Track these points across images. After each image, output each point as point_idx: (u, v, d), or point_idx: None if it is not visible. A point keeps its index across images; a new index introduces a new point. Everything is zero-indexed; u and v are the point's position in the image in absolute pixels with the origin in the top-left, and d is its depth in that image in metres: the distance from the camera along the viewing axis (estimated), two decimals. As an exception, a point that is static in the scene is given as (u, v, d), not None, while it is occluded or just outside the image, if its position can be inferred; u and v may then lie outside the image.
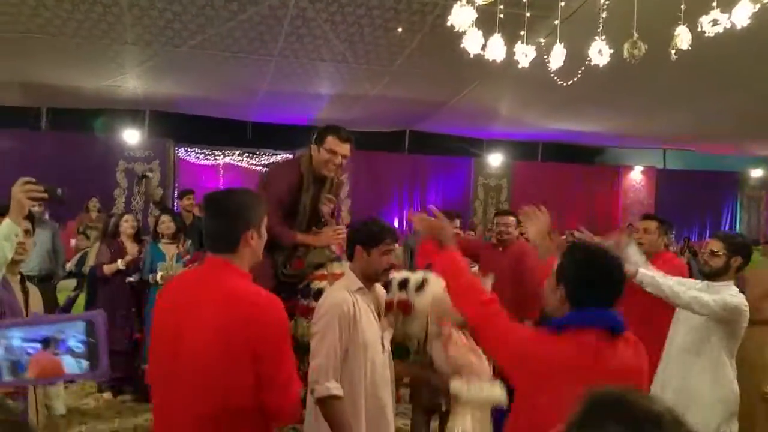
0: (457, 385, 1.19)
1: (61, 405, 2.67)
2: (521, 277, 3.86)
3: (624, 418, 0.83)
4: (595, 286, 1.73)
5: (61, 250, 5.52)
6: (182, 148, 11.08)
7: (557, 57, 4.39)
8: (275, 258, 2.91)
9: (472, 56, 4.20)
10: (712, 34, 3.77)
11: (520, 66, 4.41)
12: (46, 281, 5.22)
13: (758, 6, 3.67)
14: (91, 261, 5.35)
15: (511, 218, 4.24)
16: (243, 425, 1.64)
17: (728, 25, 3.73)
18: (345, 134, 2.92)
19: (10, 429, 1.00)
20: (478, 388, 1.18)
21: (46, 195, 2.10)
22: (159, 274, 4.59)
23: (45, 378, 1.60)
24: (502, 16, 4.17)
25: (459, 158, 12.07)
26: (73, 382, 5.10)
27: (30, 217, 2.51)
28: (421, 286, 2.79)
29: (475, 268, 4.14)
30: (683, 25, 3.88)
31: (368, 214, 6.43)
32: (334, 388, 2.10)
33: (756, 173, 13.49)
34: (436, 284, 2.66)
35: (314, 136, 2.99)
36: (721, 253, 2.89)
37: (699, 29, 3.80)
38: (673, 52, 3.93)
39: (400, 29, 6.00)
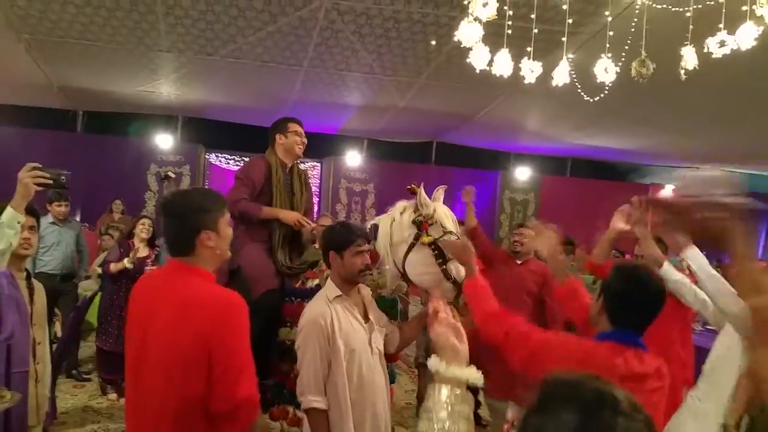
0: (435, 362, 1.21)
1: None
2: (547, 299, 3.88)
3: (581, 404, 0.79)
4: (634, 308, 1.82)
5: (86, 250, 5.63)
6: (213, 154, 11.26)
7: (562, 74, 4.32)
8: (276, 258, 3.03)
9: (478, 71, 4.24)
10: (720, 56, 3.77)
11: (526, 81, 4.35)
12: (67, 280, 5.36)
13: (762, 28, 3.65)
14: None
15: (529, 230, 4.21)
16: (201, 425, 1.64)
17: (735, 47, 3.71)
18: (298, 119, 3.26)
19: None
20: (456, 368, 1.20)
21: (51, 181, 2.18)
22: None
23: None
24: (510, 31, 4.13)
25: (486, 171, 11.97)
26: (85, 380, 5.22)
27: (35, 213, 2.58)
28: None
29: None
30: (689, 45, 3.92)
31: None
32: (314, 401, 2.22)
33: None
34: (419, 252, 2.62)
35: (272, 131, 3.22)
36: None
37: (705, 50, 3.81)
38: (682, 72, 3.95)
39: (433, 42, 5.99)
